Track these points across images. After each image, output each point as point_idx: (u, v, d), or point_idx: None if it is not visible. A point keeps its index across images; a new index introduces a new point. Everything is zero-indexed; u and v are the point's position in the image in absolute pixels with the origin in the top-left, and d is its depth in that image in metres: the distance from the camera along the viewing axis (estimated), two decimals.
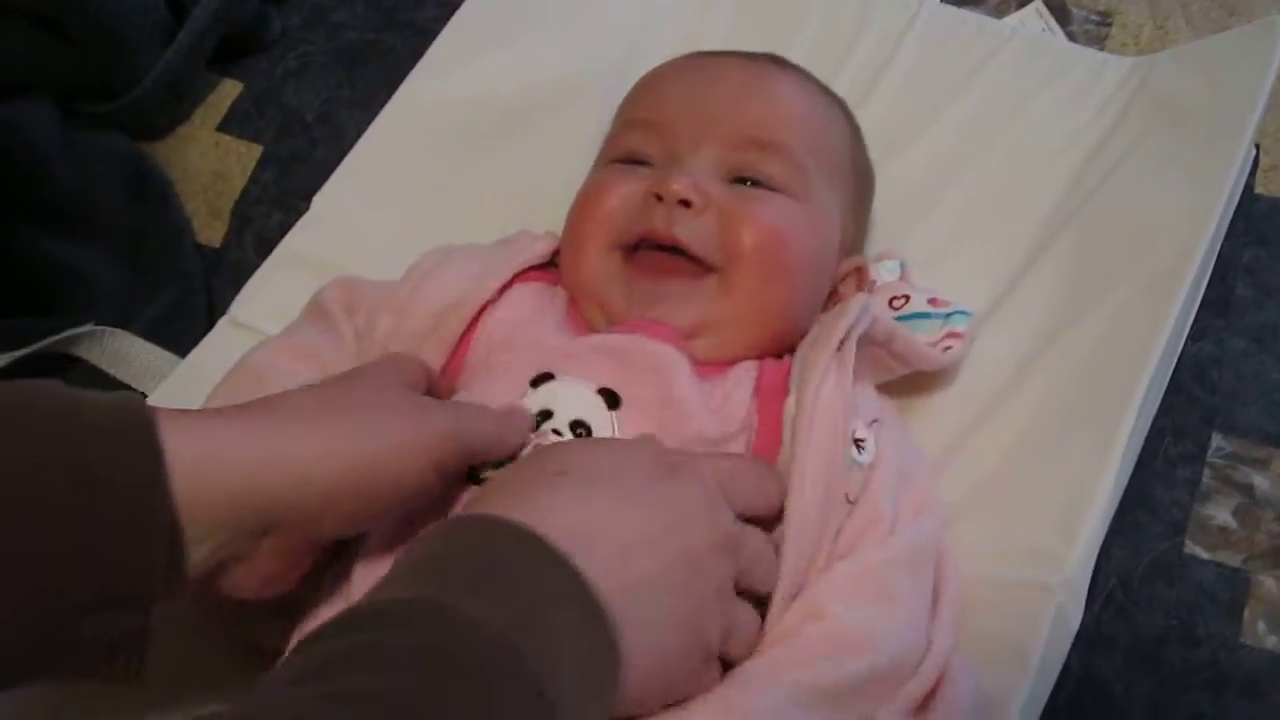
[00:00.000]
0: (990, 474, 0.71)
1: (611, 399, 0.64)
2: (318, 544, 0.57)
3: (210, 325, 0.84)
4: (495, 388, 0.65)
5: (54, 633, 0.49)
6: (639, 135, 0.73)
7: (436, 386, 0.66)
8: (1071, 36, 0.99)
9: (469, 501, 0.56)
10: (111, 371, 0.85)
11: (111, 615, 0.50)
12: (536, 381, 0.64)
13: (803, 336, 0.70)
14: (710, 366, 0.67)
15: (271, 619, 0.62)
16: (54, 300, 0.91)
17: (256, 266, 0.86)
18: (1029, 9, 1.00)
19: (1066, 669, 0.65)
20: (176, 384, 0.78)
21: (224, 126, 1.01)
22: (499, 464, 0.61)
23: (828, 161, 0.74)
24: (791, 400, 0.64)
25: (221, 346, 0.76)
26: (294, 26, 1.05)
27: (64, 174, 0.96)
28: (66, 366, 0.85)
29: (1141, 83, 0.87)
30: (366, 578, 0.59)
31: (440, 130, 0.90)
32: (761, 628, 0.58)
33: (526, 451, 0.62)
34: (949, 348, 0.73)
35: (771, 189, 0.70)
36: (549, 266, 0.76)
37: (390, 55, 1.01)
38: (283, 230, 0.87)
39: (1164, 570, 0.76)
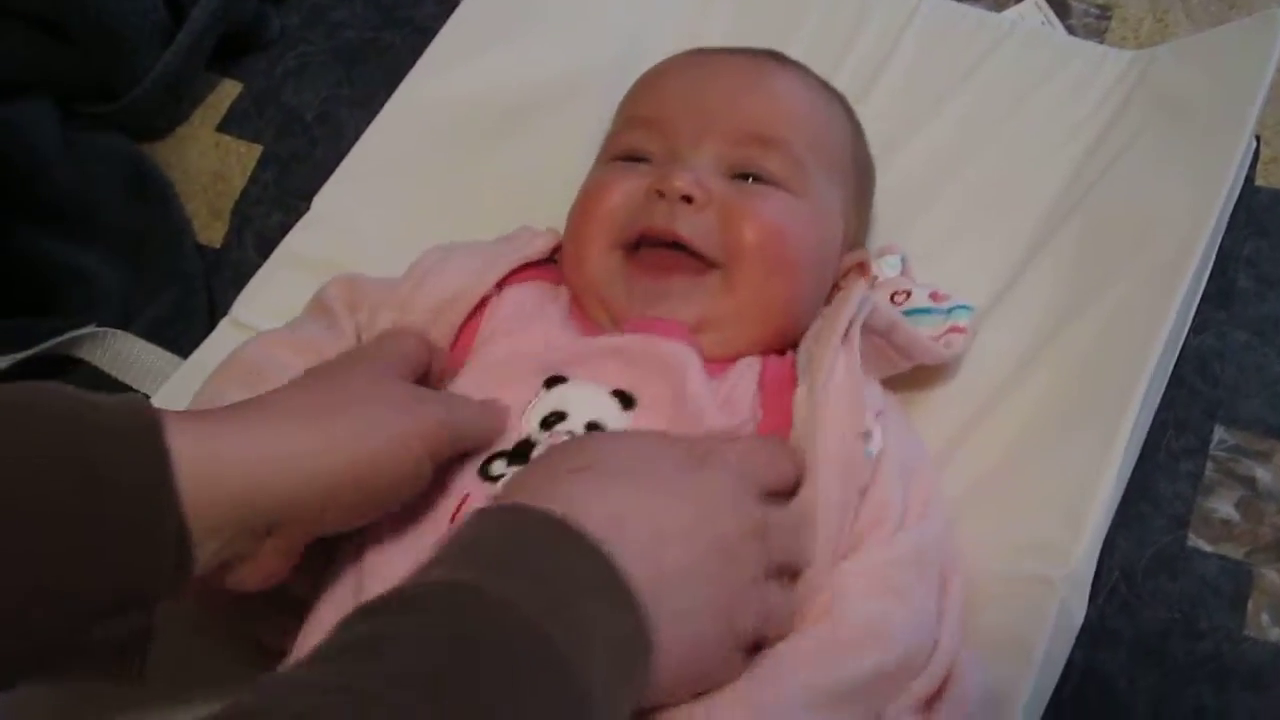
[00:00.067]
0: (993, 468, 0.71)
1: (626, 400, 0.64)
2: (315, 538, 0.57)
3: (211, 326, 0.84)
4: (506, 388, 0.65)
5: (63, 634, 0.49)
6: (640, 132, 0.73)
7: (443, 362, 0.67)
8: (1071, 30, 0.99)
9: (501, 492, 0.56)
10: (113, 373, 0.85)
11: (121, 618, 0.50)
12: (549, 383, 0.65)
13: (805, 332, 0.70)
14: (714, 363, 0.67)
15: (273, 616, 0.62)
16: (54, 301, 0.91)
17: (257, 266, 0.86)
18: (1028, 3, 1.00)
19: (1070, 663, 0.65)
20: (179, 385, 0.78)
21: (224, 126, 1.01)
22: (509, 457, 0.62)
23: (829, 157, 0.74)
24: (803, 390, 0.64)
25: (223, 347, 0.76)
26: (293, 26, 1.04)
27: (64, 175, 0.96)
28: (68, 368, 0.85)
29: (1141, 76, 0.87)
30: (378, 568, 0.59)
31: (440, 129, 0.90)
32: (797, 609, 0.59)
33: (539, 450, 0.62)
34: (950, 342, 0.73)
35: (773, 185, 0.70)
36: (550, 264, 0.76)
37: (390, 54, 1.01)
38: (283, 230, 0.87)
39: (1167, 563, 0.76)
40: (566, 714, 0.43)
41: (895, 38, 0.93)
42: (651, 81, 0.78)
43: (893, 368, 0.72)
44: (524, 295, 0.73)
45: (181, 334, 0.88)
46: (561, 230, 0.75)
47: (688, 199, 0.68)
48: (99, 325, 0.85)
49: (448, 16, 0.94)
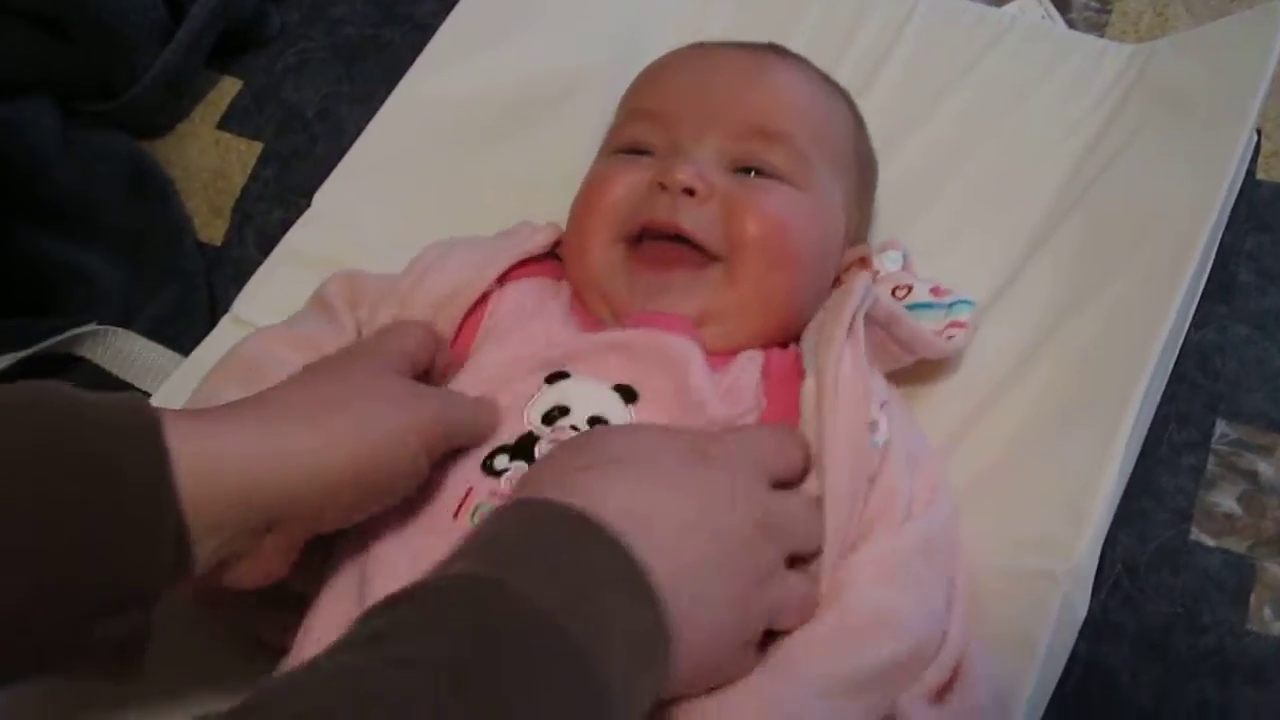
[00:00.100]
0: (994, 463, 0.71)
1: (628, 394, 0.64)
2: (314, 534, 0.58)
3: (213, 323, 0.84)
4: (507, 385, 0.65)
5: (64, 633, 0.49)
6: (642, 125, 0.73)
7: (448, 355, 0.67)
8: (1071, 24, 0.99)
9: (514, 488, 0.56)
10: (114, 371, 0.85)
11: (122, 617, 0.50)
12: (551, 379, 0.65)
13: (806, 325, 0.70)
14: (716, 356, 0.67)
15: (273, 613, 0.62)
16: (55, 300, 0.91)
17: (258, 264, 0.86)
18: None
19: (1074, 657, 0.65)
20: (180, 382, 0.78)
21: (224, 124, 1.01)
22: (511, 452, 0.62)
23: (831, 150, 0.74)
24: (810, 382, 0.64)
25: (224, 344, 0.75)
26: (293, 22, 1.04)
27: (64, 173, 0.96)
28: (69, 366, 0.85)
29: (1142, 70, 0.87)
30: (381, 563, 0.59)
31: (440, 125, 0.90)
32: (814, 597, 0.59)
33: (542, 445, 0.62)
34: (952, 336, 0.73)
35: (775, 178, 0.70)
36: (551, 259, 0.76)
37: (389, 50, 1.01)
38: (284, 227, 0.87)
39: (1170, 558, 0.76)
40: (586, 707, 0.44)
41: (895, 33, 0.93)
42: (654, 74, 0.78)
43: (895, 362, 0.72)
44: (525, 292, 0.73)
45: (182, 332, 0.88)
46: (561, 225, 0.75)
47: (690, 191, 0.68)
48: (100, 324, 0.85)
49: (447, 13, 0.94)
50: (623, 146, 0.74)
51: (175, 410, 0.53)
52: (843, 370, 0.63)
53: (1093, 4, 1.00)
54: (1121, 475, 0.69)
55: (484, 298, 0.72)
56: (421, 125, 0.90)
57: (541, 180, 0.83)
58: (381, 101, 0.90)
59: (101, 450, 0.50)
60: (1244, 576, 0.75)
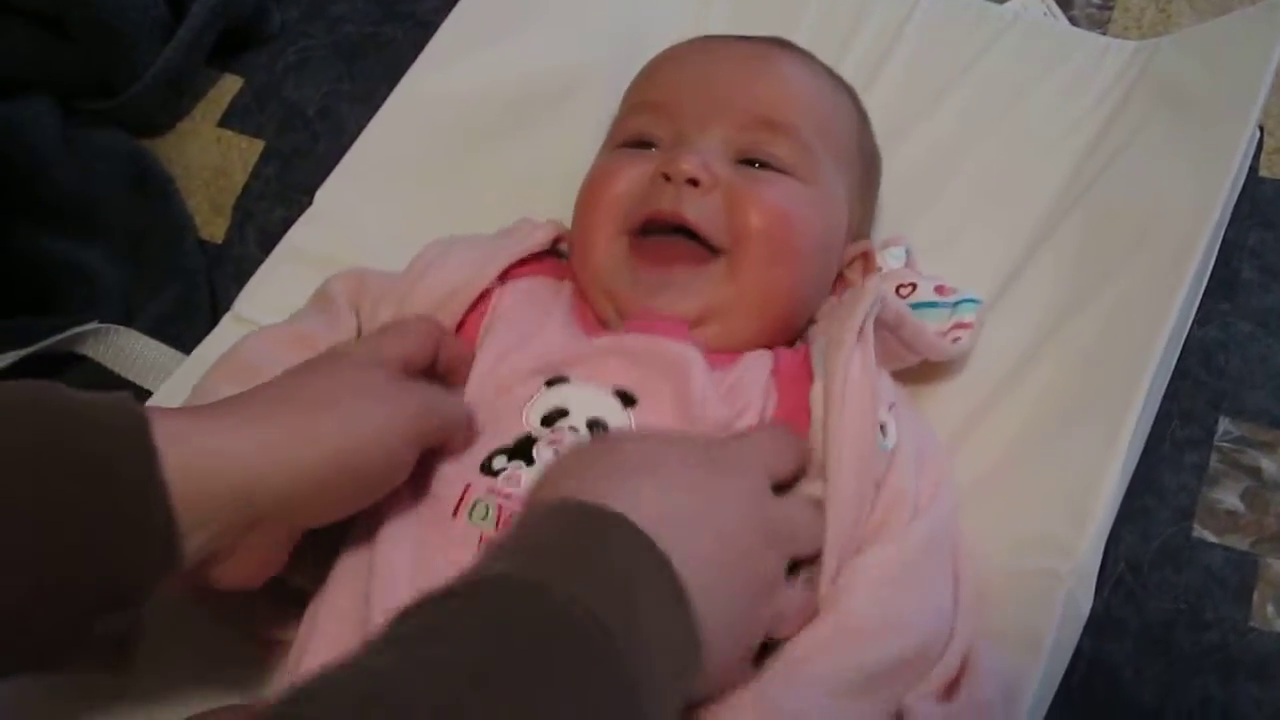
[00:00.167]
0: (997, 462, 0.71)
1: (626, 399, 0.64)
2: (302, 531, 0.58)
3: (214, 321, 0.84)
4: (507, 390, 0.65)
5: (64, 630, 0.49)
6: (646, 118, 0.73)
7: (454, 347, 0.67)
8: (1073, 21, 0.99)
9: (533, 490, 0.56)
10: (116, 369, 0.85)
11: (121, 613, 0.50)
12: (551, 384, 0.65)
13: (808, 323, 0.70)
14: (720, 355, 0.67)
15: (271, 608, 0.62)
16: (56, 299, 0.91)
17: (259, 262, 0.86)
18: None
19: (1078, 653, 0.65)
20: (181, 381, 0.78)
21: (225, 122, 1.01)
22: (509, 453, 0.62)
23: (835, 144, 0.74)
24: (819, 386, 0.64)
25: (225, 342, 0.75)
26: (293, 20, 1.04)
27: (65, 172, 0.95)
28: (71, 364, 0.85)
29: (1144, 67, 0.87)
30: (384, 560, 0.59)
31: (442, 123, 0.90)
32: (812, 605, 0.59)
33: (541, 446, 0.62)
34: (957, 339, 0.73)
35: (779, 171, 0.70)
36: (551, 257, 0.76)
37: (391, 48, 1.01)
38: (285, 225, 0.87)
39: (1173, 555, 0.76)
40: (622, 711, 0.43)
41: (896, 30, 0.93)
42: (658, 67, 0.78)
43: (899, 362, 0.71)
44: (526, 292, 0.72)
45: (184, 330, 0.88)
46: (563, 222, 0.75)
47: (694, 182, 0.68)
48: (101, 322, 0.85)
49: (449, 11, 0.94)
50: (627, 139, 0.74)
51: (164, 409, 0.54)
52: (851, 374, 0.63)
53: (1095, 0, 1.00)
54: (1124, 474, 0.69)
55: (485, 295, 0.72)
56: (423, 123, 0.90)
57: (543, 178, 0.83)
58: (383, 99, 0.90)
59: (98, 450, 0.50)
60: (1247, 573, 0.75)
